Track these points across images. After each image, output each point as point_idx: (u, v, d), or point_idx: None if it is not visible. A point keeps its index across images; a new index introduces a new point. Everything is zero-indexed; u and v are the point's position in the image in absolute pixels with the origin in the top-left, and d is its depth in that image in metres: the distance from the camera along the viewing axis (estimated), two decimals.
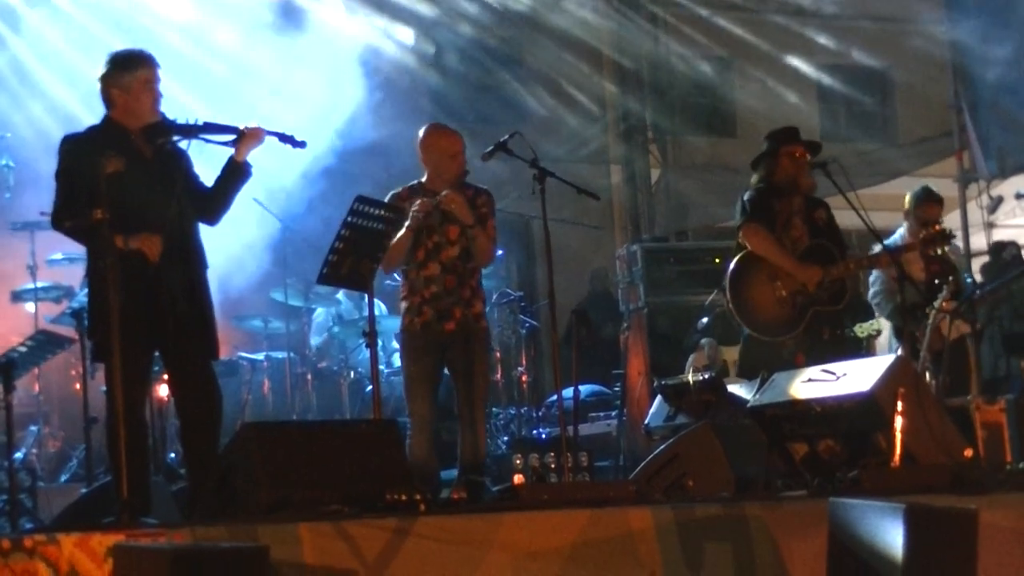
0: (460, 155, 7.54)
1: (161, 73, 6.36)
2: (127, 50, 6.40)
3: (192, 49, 10.85)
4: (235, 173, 6.39)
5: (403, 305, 7.59)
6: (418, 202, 7.39)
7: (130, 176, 5.88)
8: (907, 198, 9.22)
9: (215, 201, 6.42)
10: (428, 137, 7.62)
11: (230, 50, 10.97)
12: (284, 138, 6.48)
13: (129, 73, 6.26)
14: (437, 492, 7.24)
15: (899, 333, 8.98)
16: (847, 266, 7.89)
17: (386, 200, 7.46)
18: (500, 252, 10.32)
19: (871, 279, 9.34)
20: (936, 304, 8.35)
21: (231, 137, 6.33)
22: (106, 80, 6.31)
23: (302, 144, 6.54)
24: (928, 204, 9.10)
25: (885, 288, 8.97)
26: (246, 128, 6.33)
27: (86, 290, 6.69)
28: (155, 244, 6.08)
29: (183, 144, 6.30)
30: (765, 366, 7.35)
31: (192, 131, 6.22)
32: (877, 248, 8.29)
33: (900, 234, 9.06)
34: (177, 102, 7.03)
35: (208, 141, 6.32)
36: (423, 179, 7.61)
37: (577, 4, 14.51)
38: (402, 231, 7.26)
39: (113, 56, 6.35)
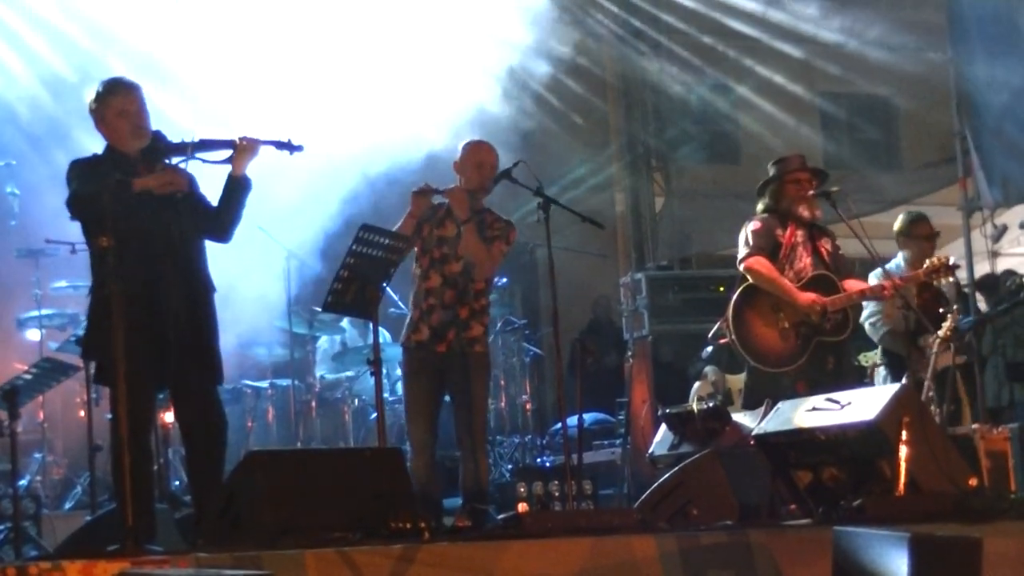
0: (486, 167, 7.44)
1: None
2: (105, 80, 6.41)
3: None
4: (236, 188, 6.37)
5: (407, 320, 7.54)
6: (419, 187, 7.37)
7: (131, 201, 5.90)
8: (899, 225, 9.17)
9: (222, 218, 6.39)
10: (463, 150, 7.58)
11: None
12: (280, 145, 6.46)
13: (103, 104, 6.28)
14: (440, 517, 7.23)
15: (889, 358, 8.95)
16: (850, 296, 7.85)
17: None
18: (504, 280, 10.28)
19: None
20: (941, 333, 8.35)
21: (228, 153, 6.32)
22: (90, 113, 6.34)
23: (299, 148, 6.50)
24: (921, 223, 9.08)
25: (881, 311, 8.92)
26: (240, 140, 6.32)
27: None
28: (165, 178, 6.12)
29: (184, 164, 6.28)
30: (772, 396, 7.33)
31: (186, 149, 6.23)
32: (879, 276, 8.29)
33: (897, 263, 9.00)
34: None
35: (205, 161, 6.33)
36: None
37: (581, 31, 14.52)
38: (403, 218, 7.28)
39: (96, 88, 6.37)
